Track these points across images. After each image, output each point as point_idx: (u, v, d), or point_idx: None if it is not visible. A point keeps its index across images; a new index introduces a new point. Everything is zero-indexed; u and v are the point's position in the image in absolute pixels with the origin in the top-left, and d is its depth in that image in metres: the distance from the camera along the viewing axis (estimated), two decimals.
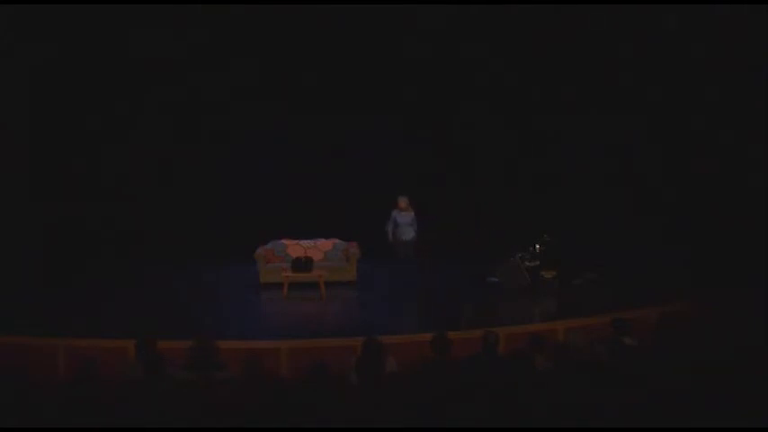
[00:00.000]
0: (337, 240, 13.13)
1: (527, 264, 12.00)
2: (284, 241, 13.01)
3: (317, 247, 12.98)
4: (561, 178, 13.88)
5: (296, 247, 12.94)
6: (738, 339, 6.93)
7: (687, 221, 12.19)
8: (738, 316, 8.20)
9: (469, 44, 13.73)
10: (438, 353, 7.01)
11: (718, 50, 11.92)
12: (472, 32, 13.63)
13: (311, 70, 13.97)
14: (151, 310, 10.87)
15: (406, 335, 9.13)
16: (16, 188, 12.96)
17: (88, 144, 13.70)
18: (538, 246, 12.11)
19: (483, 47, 13.69)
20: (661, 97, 12.70)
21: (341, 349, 8.54)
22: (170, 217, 13.99)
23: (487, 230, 13.64)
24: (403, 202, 11.99)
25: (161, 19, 13.20)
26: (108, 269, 13.10)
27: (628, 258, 12.20)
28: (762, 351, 6.42)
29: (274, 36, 13.75)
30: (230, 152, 14.30)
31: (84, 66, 13.35)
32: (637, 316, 9.09)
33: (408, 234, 12.00)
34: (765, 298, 8.99)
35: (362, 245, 13.05)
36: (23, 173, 13.05)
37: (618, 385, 6.05)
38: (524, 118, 14.02)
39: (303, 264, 12.35)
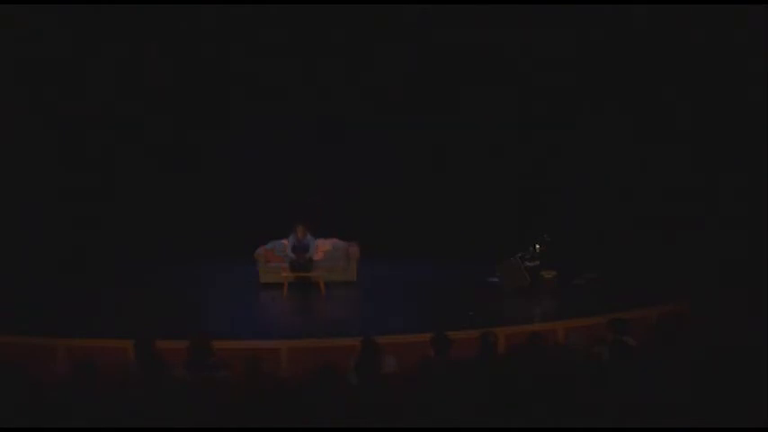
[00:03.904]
0: (337, 240, 13.13)
1: (527, 264, 12.00)
2: (284, 241, 13.01)
3: (317, 248, 12.98)
4: (561, 178, 13.89)
5: None
6: (738, 339, 6.92)
7: (687, 221, 12.18)
8: (738, 316, 8.20)
9: (479, 35, 13.65)
10: (438, 353, 7.00)
11: (718, 50, 11.92)
12: (487, 23, 13.54)
13: (311, 70, 13.96)
14: (151, 310, 10.88)
15: (406, 335, 9.13)
16: (16, 188, 12.95)
17: (88, 144, 13.70)
18: (538, 246, 12.12)
19: (489, 40, 13.67)
20: (660, 98, 12.70)
21: (341, 349, 8.53)
22: (170, 217, 13.98)
23: (488, 230, 13.63)
24: (300, 231, 12.55)
25: (163, 19, 13.21)
26: (108, 269, 13.09)
27: (628, 258, 12.19)
28: (762, 351, 6.41)
29: (274, 35, 13.74)
30: (230, 152, 14.30)
31: (86, 66, 13.34)
32: (637, 316, 9.09)
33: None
34: (765, 298, 8.98)
35: (362, 245, 13.05)
36: (23, 173, 13.04)
37: (618, 385, 6.04)
38: (525, 118, 14.01)
39: (303, 264, 12.35)
